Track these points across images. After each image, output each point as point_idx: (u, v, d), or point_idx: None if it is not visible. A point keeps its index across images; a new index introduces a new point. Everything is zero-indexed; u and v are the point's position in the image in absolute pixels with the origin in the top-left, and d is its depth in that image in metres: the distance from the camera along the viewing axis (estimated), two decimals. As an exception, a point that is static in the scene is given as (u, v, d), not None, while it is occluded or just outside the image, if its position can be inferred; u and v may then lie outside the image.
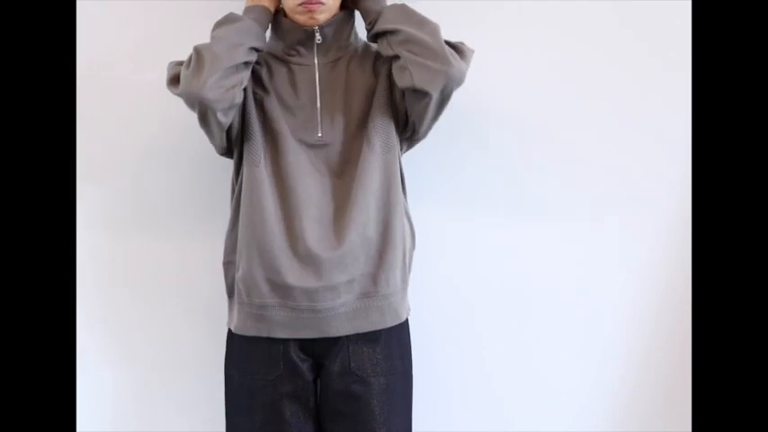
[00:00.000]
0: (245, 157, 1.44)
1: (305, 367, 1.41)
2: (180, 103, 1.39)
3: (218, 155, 1.49)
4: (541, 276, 1.71)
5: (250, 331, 1.41)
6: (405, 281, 1.48)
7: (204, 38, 1.39)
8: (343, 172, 1.44)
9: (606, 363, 1.73)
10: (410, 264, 1.51)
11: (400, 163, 1.48)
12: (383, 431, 1.39)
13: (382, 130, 1.44)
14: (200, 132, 1.43)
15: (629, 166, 1.70)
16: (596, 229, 1.71)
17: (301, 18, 1.44)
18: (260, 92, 1.46)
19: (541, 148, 1.70)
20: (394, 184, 1.44)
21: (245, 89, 1.42)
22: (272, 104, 1.45)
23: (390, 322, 1.43)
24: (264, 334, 1.40)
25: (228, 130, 1.43)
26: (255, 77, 1.47)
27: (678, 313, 1.70)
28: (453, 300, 1.70)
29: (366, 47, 1.52)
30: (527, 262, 1.71)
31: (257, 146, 1.43)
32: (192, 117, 1.39)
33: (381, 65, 1.48)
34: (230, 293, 1.48)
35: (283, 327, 1.39)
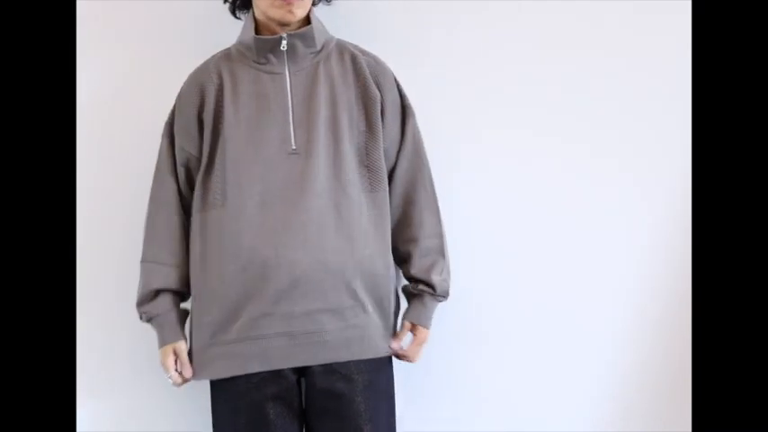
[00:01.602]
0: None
1: (288, 368, 1.39)
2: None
3: None
4: (541, 276, 1.71)
5: (230, 371, 1.39)
6: (394, 313, 1.48)
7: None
8: (320, 195, 1.39)
9: (606, 363, 1.73)
10: (398, 296, 1.51)
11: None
12: (369, 427, 1.38)
13: (374, 166, 1.45)
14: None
15: (628, 165, 1.71)
16: (596, 229, 1.71)
17: (278, 13, 1.39)
18: (218, 123, 1.43)
19: (540, 148, 1.70)
20: (383, 219, 1.45)
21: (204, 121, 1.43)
22: (233, 131, 1.41)
23: (373, 355, 1.42)
24: (240, 372, 1.38)
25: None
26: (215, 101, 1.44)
27: (678, 313, 1.70)
28: (449, 297, 1.70)
29: (340, 49, 1.48)
30: (526, 262, 1.71)
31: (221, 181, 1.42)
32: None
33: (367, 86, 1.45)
34: None
35: (260, 360, 1.37)
